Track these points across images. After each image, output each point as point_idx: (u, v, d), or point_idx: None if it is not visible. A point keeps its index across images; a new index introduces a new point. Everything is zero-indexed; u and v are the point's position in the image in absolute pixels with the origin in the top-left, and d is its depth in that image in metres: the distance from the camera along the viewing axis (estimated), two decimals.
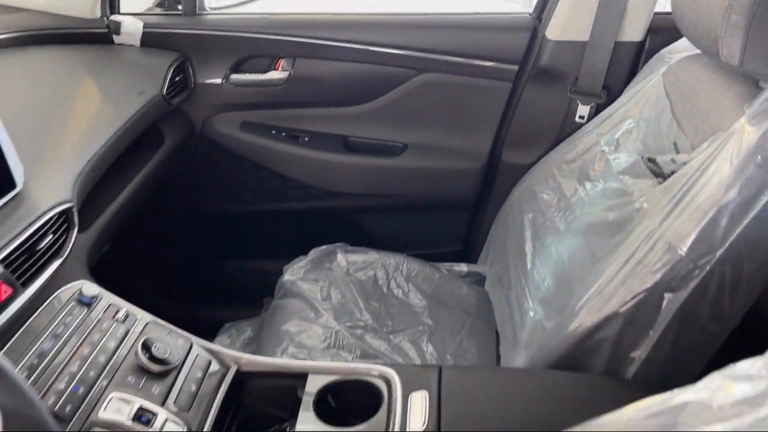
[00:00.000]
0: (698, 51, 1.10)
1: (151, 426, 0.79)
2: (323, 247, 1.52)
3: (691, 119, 1.03)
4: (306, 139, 1.57)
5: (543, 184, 1.35)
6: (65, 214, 0.93)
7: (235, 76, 1.52)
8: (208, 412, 0.87)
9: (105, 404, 0.79)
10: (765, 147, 0.82)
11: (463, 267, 1.57)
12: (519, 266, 1.31)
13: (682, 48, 1.20)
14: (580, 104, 1.41)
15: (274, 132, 1.56)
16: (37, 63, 1.30)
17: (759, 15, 0.83)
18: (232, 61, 1.51)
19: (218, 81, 1.51)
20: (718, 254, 0.85)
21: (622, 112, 1.25)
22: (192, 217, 1.69)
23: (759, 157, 0.83)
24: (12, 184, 0.88)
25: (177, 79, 1.42)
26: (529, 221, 1.35)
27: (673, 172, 0.99)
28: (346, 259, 1.52)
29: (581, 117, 1.41)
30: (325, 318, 1.36)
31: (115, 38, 1.45)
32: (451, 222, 1.66)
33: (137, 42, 1.45)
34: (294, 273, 1.46)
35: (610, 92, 1.38)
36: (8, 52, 1.30)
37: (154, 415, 0.81)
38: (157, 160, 1.37)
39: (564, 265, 1.14)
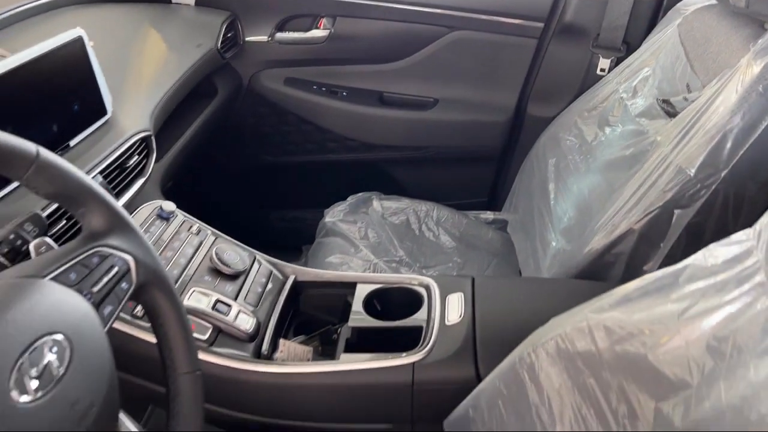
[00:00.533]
0: (711, 2, 1.20)
1: (227, 315, 0.93)
2: (360, 194, 1.64)
3: (702, 62, 1.13)
4: (344, 94, 1.69)
5: (566, 131, 1.46)
6: (145, 141, 1.07)
7: (279, 35, 1.64)
8: (272, 312, 1.00)
9: (188, 295, 0.92)
10: (766, 77, 0.93)
11: (489, 214, 1.69)
12: (542, 206, 1.42)
13: (697, 0, 1.30)
14: (601, 58, 1.51)
15: (315, 87, 1.68)
16: (107, 19, 1.43)
17: None
18: (277, 20, 1.63)
19: (264, 39, 1.63)
20: (722, 174, 0.95)
21: (639, 62, 1.35)
22: (237, 167, 1.82)
23: (760, 86, 0.93)
24: (104, 111, 1.01)
25: (229, 35, 1.55)
26: (552, 165, 1.45)
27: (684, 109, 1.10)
28: (381, 205, 1.64)
29: (602, 70, 1.51)
30: (363, 253, 1.48)
31: None
32: (478, 173, 1.77)
33: (192, 1, 1.58)
34: (334, 215, 1.59)
35: (629, 46, 1.48)
36: (79, 8, 1.43)
37: (229, 306, 0.94)
38: (211, 109, 1.50)
39: (584, 199, 1.25)
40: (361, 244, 1.50)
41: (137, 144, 1.03)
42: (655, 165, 1.04)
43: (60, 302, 0.53)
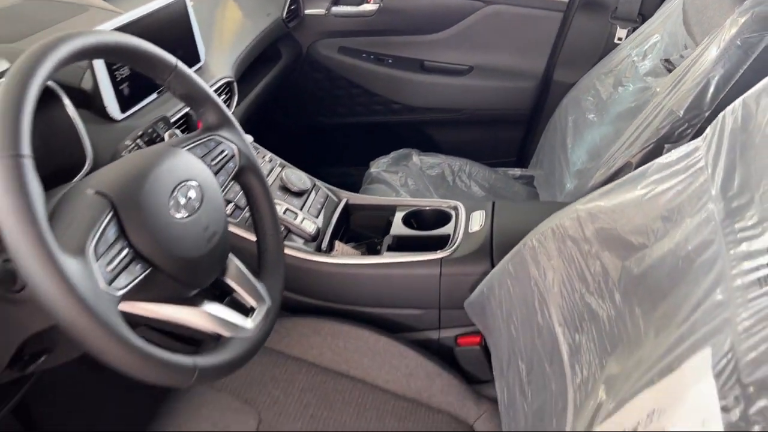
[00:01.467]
0: None
1: (295, 220, 1.15)
2: (401, 150, 1.86)
3: (699, 25, 1.30)
4: (390, 61, 1.90)
5: (585, 92, 1.64)
6: (229, 86, 1.30)
7: (335, 8, 1.86)
8: (329, 223, 1.22)
9: None
10: (744, 32, 1.10)
11: (516, 171, 1.88)
12: (562, 157, 1.60)
13: None
14: (618, 28, 1.69)
15: (364, 55, 1.90)
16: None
17: None
18: None
19: (322, 12, 1.86)
20: (706, 115, 1.13)
21: (650, 30, 1.52)
22: (293, 127, 2.06)
23: (738, 40, 1.10)
24: (199, 59, 1.25)
25: (292, 8, 1.78)
26: (571, 122, 1.64)
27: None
28: (420, 159, 1.85)
29: (619, 39, 1.69)
30: (404, 197, 1.70)
31: None
32: (507, 134, 1.97)
33: None
34: (378, 166, 1.80)
35: (644, 17, 1.65)
36: None
37: (296, 213, 1.17)
38: (274, 72, 1.73)
39: (596, 145, 1.44)
40: (402, 190, 1.71)
41: (223, 87, 1.27)
42: (651, 110, 1.23)
43: (194, 163, 0.76)
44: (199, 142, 0.80)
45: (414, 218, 1.25)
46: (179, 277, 0.69)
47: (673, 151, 0.86)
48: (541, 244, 0.94)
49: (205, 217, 0.73)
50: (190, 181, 0.73)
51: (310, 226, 1.16)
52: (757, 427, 0.46)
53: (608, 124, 1.46)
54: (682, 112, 1.15)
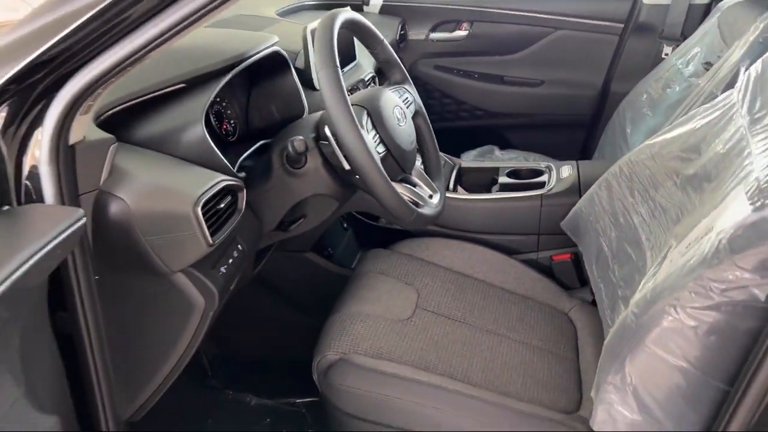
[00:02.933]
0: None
1: None
2: (485, 146, 2.26)
3: (731, 34, 1.69)
4: (476, 76, 2.33)
5: (639, 96, 2.02)
6: (373, 78, 1.73)
7: (432, 34, 2.30)
8: (449, 180, 1.62)
9: None
10: (764, 32, 1.47)
11: None
12: (622, 144, 1.97)
13: (733, 1, 1.86)
14: (665, 45, 2.08)
15: (455, 72, 2.33)
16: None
17: None
18: (431, 24, 2.29)
19: (422, 37, 2.30)
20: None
21: (692, 44, 1.91)
22: None
23: (760, 38, 1.48)
24: (354, 57, 1.68)
25: (401, 33, 2.22)
26: (629, 119, 2.01)
27: None
28: (501, 153, 2.25)
29: (666, 54, 2.08)
30: None
31: (365, 8, 2.28)
32: (571, 136, 2.35)
33: (377, 10, 2.28)
34: (468, 157, 2.20)
35: (685, 36, 2.04)
36: (306, 13, 2.14)
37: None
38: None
39: (650, 130, 1.81)
40: None
41: (371, 77, 1.69)
42: (695, 95, 1.60)
43: (397, 97, 1.17)
44: (395, 89, 1.22)
45: (514, 175, 1.64)
46: (399, 160, 1.10)
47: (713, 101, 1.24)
48: (621, 169, 1.32)
49: (408, 128, 1.14)
50: (398, 106, 1.13)
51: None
52: None
53: (660, 115, 1.83)
54: (719, 93, 1.52)
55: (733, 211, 0.91)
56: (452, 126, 2.40)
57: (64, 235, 0.62)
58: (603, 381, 0.97)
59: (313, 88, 1.43)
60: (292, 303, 1.65)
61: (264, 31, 1.53)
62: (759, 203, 0.86)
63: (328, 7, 2.17)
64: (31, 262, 0.58)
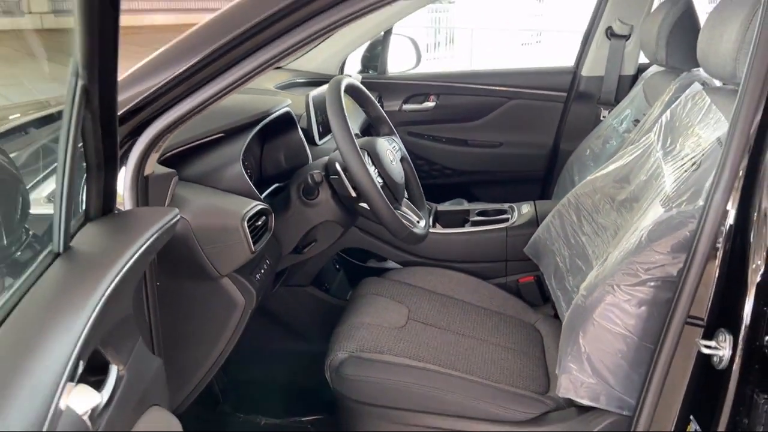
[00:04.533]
0: (659, 69, 2.13)
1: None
2: (454, 199, 2.54)
3: (653, 96, 2.04)
4: (444, 140, 2.64)
5: (584, 152, 2.35)
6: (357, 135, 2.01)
7: (405, 106, 2.62)
8: (428, 218, 1.88)
9: None
10: (676, 92, 1.81)
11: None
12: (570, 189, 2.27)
13: (653, 71, 2.23)
14: (602, 109, 2.44)
15: (425, 137, 2.64)
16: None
17: (672, 33, 1.84)
18: (403, 97, 2.62)
19: (396, 108, 2.62)
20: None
21: (623, 107, 2.26)
22: None
23: (674, 97, 1.82)
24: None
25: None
26: (576, 171, 2.33)
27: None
28: (468, 205, 2.53)
29: (604, 116, 2.43)
30: None
31: None
32: (527, 190, 2.64)
33: None
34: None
35: (618, 100, 2.40)
36: (298, 89, 2.44)
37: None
38: None
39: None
40: None
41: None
42: (626, 144, 1.92)
43: (389, 142, 1.44)
44: (385, 138, 1.50)
45: (483, 214, 1.91)
46: (393, 190, 1.36)
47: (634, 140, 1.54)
48: (570, 201, 1.60)
49: (398, 167, 1.41)
50: (389, 149, 1.41)
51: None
52: (676, 210, 1.10)
53: (599, 164, 2.15)
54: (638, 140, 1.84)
55: (651, 214, 1.19)
56: (425, 183, 2.65)
57: (169, 224, 0.85)
58: (564, 354, 1.21)
59: (314, 143, 1.70)
60: (295, 333, 1.85)
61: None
62: (668, 206, 1.15)
63: (315, 84, 2.49)
64: (153, 238, 0.80)
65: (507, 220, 1.82)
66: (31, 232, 0.85)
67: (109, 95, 0.74)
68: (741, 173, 0.93)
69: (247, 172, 1.50)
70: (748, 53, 0.95)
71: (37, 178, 1.09)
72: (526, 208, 1.85)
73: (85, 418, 0.57)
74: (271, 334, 1.84)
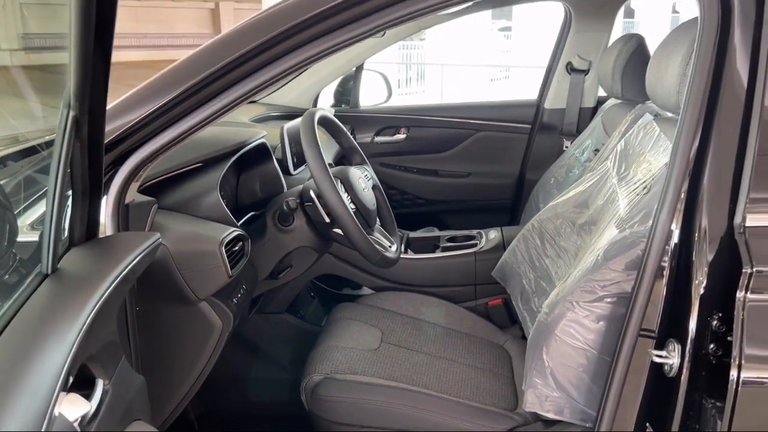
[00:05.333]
0: (616, 102, 2.24)
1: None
2: (426, 227, 2.61)
3: (611, 128, 2.14)
4: (415, 171, 2.72)
5: (548, 181, 2.44)
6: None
7: (377, 138, 2.70)
8: (400, 245, 1.94)
9: None
10: (630, 123, 1.92)
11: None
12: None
13: (611, 103, 2.35)
14: (564, 140, 2.55)
15: (397, 167, 2.72)
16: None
17: (627, 68, 1.96)
18: (375, 129, 2.70)
19: (369, 140, 2.70)
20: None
21: (584, 138, 2.37)
22: None
23: (628, 128, 1.93)
24: None
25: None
26: (541, 198, 2.42)
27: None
28: (438, 233, 2.60)
29: (566, 147, 2.54)
30: None
31: None
32: (496, 218, 2.73)
33: None
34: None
35: (579, 131, 2.51)
36: (272, 122, 2.51)
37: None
38: None
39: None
40: None
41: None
42: (587, 173, 2.01)
43: (360, 171, 1.51)
44: (357, 168, 1.56)
45: (452, 240, 1.98)
46: (365, 216, 1.42)
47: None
48: (533, 225, 1.68)
49: (370, 194, 1.47)
50: (362, 178, 1.47)
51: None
52: (629, 231, 1.18)
53: (560, 192, 2.24)
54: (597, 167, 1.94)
55: (607, 235, 1.27)
56: (398, 212, 2.73)
57: (151, 247, 0.90)
58: (529, 370, 1.26)
59: (289, 173, 1.75)
60: (270, 360, 1.88)
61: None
62: (622, 228, 1.22)
63: (289, 117, 2.56)
64: (136, 260, 0.85)
65: (475, 245, 1.89)
66: (18, 257, 0.88)
67: (97, 126, 0.79)
68: (683, 195, 1.01)
69: (223, 201, 1.56)
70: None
71: (19, 208, 1.13)
72: (493, 234, 1.93)
73: (76, 425, 0.61)
74: (247, 361, 1.87)
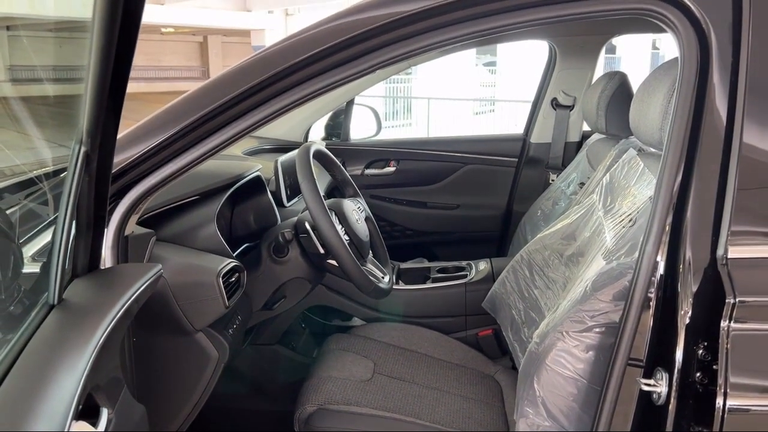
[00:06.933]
0: (601, 137, 2.31)
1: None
2: (416, 258, 2.64)
3: (596, 161, 2.20)
4: (404, 203, 2.76)
5: (535, 213, 2.49)
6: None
7: (367, 170, 2.75)
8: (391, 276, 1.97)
9: None
10: (615, 158, 1.98)
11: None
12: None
13: (595, 138, 2.41)
14: (550, 173, 2.60)
15: (387, 199, 2.76)
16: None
17: (610, 105, 2.02)
18: (366, 162, 2.75)
19: (359, 173, 2.74)
20: None
21: (570, 171, 2.43)
22: None
23: (613, 162, 1.98)
24: None
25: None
26: (528, 230, 2.46)
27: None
28: (428, 264, 2.63)
29: (552, 180, 2.59)
30: None
31: None
32: (484, 249, 2.78)
33: None
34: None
35: (564, 165, 2.57)
36: (265, 154, 2.54)
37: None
38: None
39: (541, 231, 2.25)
40: None
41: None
42: (573, 206, 2.06)
43: (349, 203, 1.54)
44: (351, 200, 1.59)
45: (442, 271, 2.01)
46: (358, 247, 1.44)
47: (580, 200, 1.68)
48: (522, 257, 1.72)
49: (363, 226, 1.50)
50: (355, 210, 1.50)
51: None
52: (616, 262, 1.22)
53: (547, 223, 2.28)
54: (584, 201, 1.99)
55: (595, 266, 1.30)
56: (388, 243, 2.76)
57: (153, 278, 0.92)
58: (520, 399, 1.28)
59: (282, 205, 1.78)
60: (262, 391, 1.88)
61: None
62: (609, 259, 1.26)
63: (282, 150, 2.60)
64: (139, 291, 0.86)
65: (465, 276, 1.92)
66: (22, 288, 0.90)
67: (106, 161, 0.81)
68: (668, 228, 1.05)
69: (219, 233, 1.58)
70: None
71: (22, 240, 1.14)
72: (483, 265, 1.96)
73: None
74: (239, 392, 1.86)
